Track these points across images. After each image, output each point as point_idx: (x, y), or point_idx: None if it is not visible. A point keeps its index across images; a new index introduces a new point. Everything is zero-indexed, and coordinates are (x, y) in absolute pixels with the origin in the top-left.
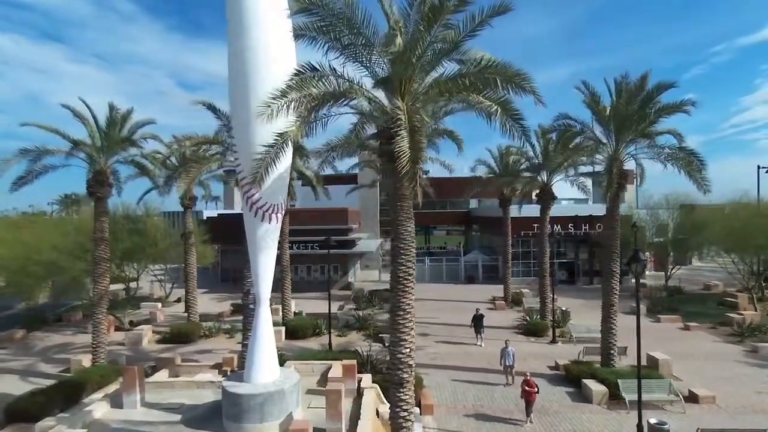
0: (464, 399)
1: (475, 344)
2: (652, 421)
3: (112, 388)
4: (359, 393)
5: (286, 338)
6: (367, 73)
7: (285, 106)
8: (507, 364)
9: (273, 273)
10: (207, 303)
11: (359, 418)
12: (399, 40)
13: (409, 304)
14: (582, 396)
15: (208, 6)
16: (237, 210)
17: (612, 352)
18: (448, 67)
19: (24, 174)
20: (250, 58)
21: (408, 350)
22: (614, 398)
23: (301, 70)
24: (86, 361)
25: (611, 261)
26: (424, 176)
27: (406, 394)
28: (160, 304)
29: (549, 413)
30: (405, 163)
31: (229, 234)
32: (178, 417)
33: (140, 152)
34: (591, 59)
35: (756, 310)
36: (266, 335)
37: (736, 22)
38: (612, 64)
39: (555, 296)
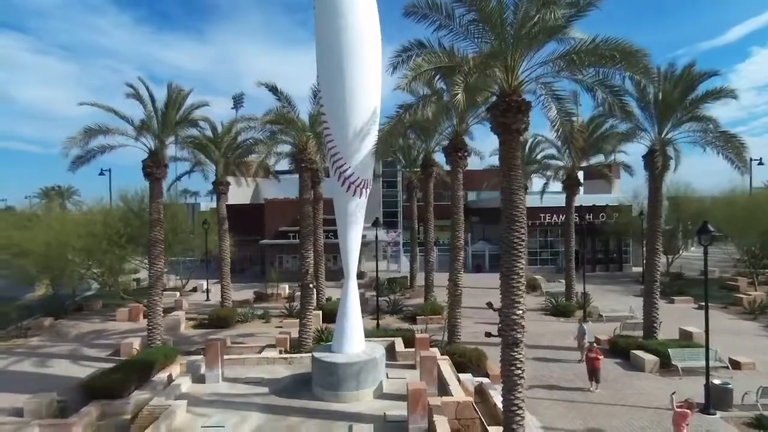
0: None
1: None
2: (717, 382)
3: (175, 367)
4: None
5: (323, 321)
6: (477, 49)
7: (415, 77)
8: (583, 341)
9: (360, 248)
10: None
11: (446, 384)
12: (512, 19)
13: (521, 269)
14: (632, 365)
15: None
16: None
17: (654, 326)
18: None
19: (82, 153)
20: (344, 39)
21: (521, 311)
22: (664, 366)
23: (408, 46)
24: (136, 344)
25: (654, 240)
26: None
27: (521, 353)
28: (178, 294)
29: (608, 380)
30: (557, 127)
31: (239, 225)
32: (263, 389)
33: (201, 133)
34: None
35: (756, 291)
36: (355, 308)
37: (697, 28)
38: None
39: (583, 281)
